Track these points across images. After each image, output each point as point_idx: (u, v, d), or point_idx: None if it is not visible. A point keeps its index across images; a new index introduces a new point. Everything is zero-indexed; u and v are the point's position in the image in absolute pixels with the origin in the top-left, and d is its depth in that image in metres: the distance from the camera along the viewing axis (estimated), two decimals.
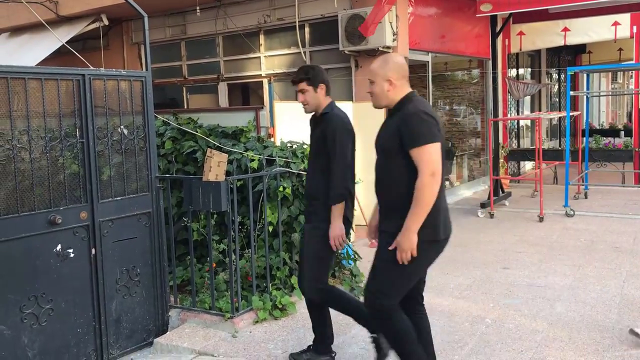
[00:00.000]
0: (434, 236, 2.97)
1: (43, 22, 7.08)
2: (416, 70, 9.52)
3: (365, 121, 8.07)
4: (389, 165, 3.03)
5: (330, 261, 3.73)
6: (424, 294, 3.34)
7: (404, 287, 3.11)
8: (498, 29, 10.01)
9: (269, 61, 9.31)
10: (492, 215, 8.44)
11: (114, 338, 4.21)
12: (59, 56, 9.06)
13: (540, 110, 13.50)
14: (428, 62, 9.17)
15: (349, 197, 3.59)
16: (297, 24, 8.59)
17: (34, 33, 9.92)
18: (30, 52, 9.26)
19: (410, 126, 2.90)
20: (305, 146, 5.40)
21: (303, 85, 3.67)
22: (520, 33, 11.43)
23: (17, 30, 10.28)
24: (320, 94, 3.67)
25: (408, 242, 2.88)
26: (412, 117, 2.92)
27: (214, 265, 4.71)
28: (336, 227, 3.52)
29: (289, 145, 5.45)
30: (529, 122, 13.29)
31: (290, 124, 7.29)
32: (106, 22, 9.70)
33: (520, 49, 11.69)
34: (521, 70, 12.98)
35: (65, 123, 3.90)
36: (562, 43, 11.18)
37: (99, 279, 4.08)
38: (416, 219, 2.86)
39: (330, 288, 3.79)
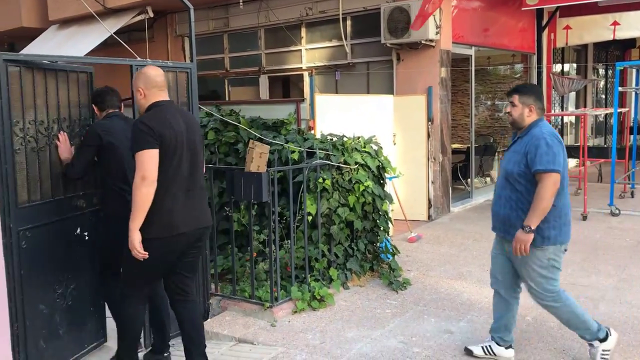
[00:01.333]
0: (155, 234, 3.19)
1: (93, 13, 7.25)
2: (459, 64, 9.40)
3: (406, 113, 8.07)
4: (132, 167, 3.26)
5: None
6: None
7: (142, 278, 3.38)
8: (544, 23, 9.79)
9: (310, 54, 9.34)
10: None
11: None
12: (104, 48, 9.28)
13: (585, 107, 13.17)
14: (471, 56, 9.04)
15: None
16: (340, 16, 8.58)
17: (81, 25, 10.18)
18: (79, 43, 9.51)
19: (132, 134, 3.23)
20: (345, 139, 5.41)
21: None
22: (567, 27, 11.13)
23: (65, 22, 10.56)
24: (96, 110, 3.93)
25: (130, 241, 3.16)
26: (133, 127, 3.24)
27: (255, 254, 4.77)
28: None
29: (329, 137, 5.46)
30: (573, 119, 12.97)
31: (331, 116, 7.30)
32: (151, 15, 9.89)
33: (567, 44, 11.37)
34: (566, 66, 12.68)
35: None
36: (610, 37, 10.84)
37: None
38: (133, 219, 3.14)
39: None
